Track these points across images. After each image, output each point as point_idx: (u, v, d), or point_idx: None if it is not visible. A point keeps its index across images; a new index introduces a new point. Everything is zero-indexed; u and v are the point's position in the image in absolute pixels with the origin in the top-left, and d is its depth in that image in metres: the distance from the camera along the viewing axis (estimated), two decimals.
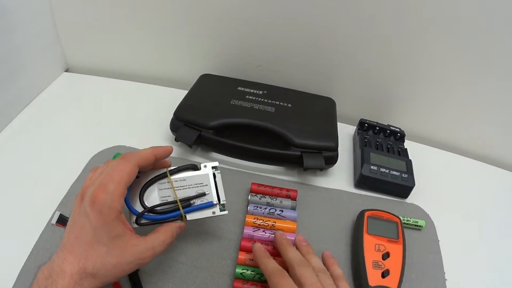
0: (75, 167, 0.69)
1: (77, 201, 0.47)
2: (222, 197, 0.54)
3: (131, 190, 0.53)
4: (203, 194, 0.53)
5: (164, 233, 0.50)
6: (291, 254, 0.51)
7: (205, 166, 0.55)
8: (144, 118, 0.82)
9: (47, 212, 0.61)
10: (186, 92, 0.79)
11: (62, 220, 0.60)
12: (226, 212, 0.54)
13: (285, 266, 0.51)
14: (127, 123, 0.81)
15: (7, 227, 0.60)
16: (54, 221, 0.60)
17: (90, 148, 0.73)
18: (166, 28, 0.87)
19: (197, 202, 0.53)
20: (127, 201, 0.51)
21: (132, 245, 0.46)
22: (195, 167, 0.55)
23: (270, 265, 0.50)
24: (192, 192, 0.53)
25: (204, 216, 0.53)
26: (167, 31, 0.87)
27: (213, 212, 0.53)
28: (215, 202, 0.53)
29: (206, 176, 0.54)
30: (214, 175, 0.55)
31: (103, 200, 0.44)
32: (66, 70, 0.98)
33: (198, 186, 0.54)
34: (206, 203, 0.53)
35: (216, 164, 0.55)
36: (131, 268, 0.46)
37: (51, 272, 0.42)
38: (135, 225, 0.51)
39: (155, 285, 0.54)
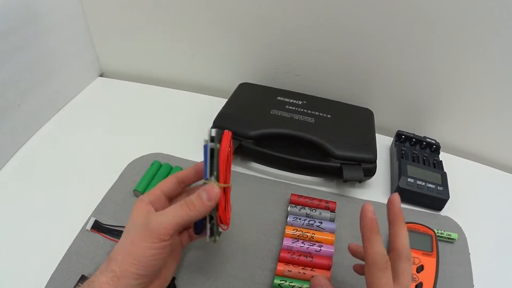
0: (112, 173, 0.70)
1: None
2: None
3: None
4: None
5: (179, 201, 0.46)
6: (404, 240, 0.45)
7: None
8: (181, 125, 0.83)
9: (82, 217, 0.62)
10: (223, 100, 0.80)
11: (97, 226, 0.61)
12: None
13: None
14: (164, 130, 0.82)
15: (42, 231, 0.61)
16: (88, 227, 0.61)
17: (127, 154, 0.74)
18: (203, 34, 0.87)
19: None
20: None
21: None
22: (214, 150, 0.47)
23: (377, 248, 0.44)
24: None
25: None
26: (204, 37, 0.88)
27: (208, 144, 0.46)
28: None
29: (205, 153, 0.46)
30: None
31: (139, 197, 0.48)
32: (101, 75, 0.99)
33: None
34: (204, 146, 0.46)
35: (206, 136, 0.46)
36: (149, 242, 0.43)
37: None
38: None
39: None
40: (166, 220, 0.44)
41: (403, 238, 0.45)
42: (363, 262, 0.51)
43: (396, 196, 0.48)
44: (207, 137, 0.46)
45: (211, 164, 0.46)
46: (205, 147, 0.46)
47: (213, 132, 0.46)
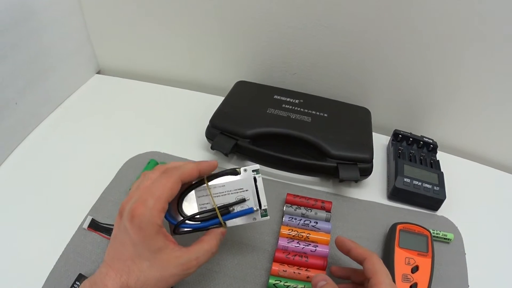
0: (108, 172, 0.70)
1: (117, 218, 0.47)
2: (264, 202, 0.52)
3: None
4: (243, 200, 0.52)
5: (208, 242, 0.49)
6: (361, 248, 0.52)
7: (245, 170, 0.53)
8: (178, 123, 0.83)
9: (79, 216, 0.62)
10: (220, 98, 0.80)
11: (93, 225, 0.61)
12: (267, 217, 0.52)
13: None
14: (161, 128, 0.81)
15: (38, 230, 0.61)
16: (85, 225, 0.61)
17: (124, 153, 0.73)
18: (200, 32, 0.87)
19: (237, 208, 0.52)
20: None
21: (175, 257, 0.45)
22: (235, 172, 0.52)
23: (364, 248, 0.51)
24: (232, 198, 0.52)
25: (244, 222, 0.52)
26: (201, 35, 0.88)
27: (254, 218, 0.52)
28: (255, 209, 0.52)
29: (246, 181, 0.52)
30: (254, 179, 0.52)
31: (141, 215, 0.43)
32: (98, 72, 0.99)
33: (238, 192, 0.52)
34: (246, 209, 0.52)
35: (257, 167, 0.53)
36: (175, 281, 0.45)
37: (93, 286, 0.43)
38: (173, 235, 0.50)
39: None
40: (203, 261, 0.48)
41: (359, 246, 0.52)
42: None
43: (340, 238, 0.54)
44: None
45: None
46: (250, 209, 0.52)
47: (255, 167, 0.53)
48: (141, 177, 0.49)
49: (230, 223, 0.52)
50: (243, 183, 0.52)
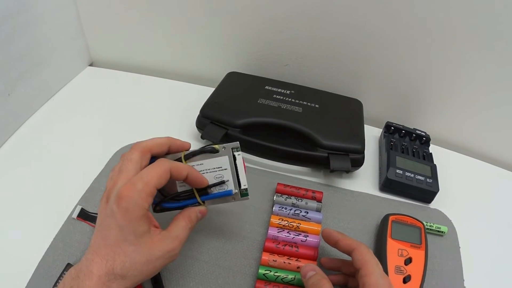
0: (98, 162, 0.70)
1: (103, 203, 0.46)
2: (243, 182, 0.51)
3: None
4: (222, 182, 0.51)
5: (183, 218, 0.49)
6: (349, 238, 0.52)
7: (224, 148, 0.51)
8: (169, 114, 0.82)
9: (69, 206, 0.62)
10: (212, 89, 0.80)
11: (83, 215, 0.61)
12: (248, 197, 0.51)
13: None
14: (152, 119, 0.81)
15: (28, 219, 0.61)
16: (75, 215, 0.60)
17: (114, 143, 0.73)
18: (191, 23, 0.87)
19: (216, 190, 0.51)
20: None
21: (158, 240, 0.45)
22: (214, 150, 0.51)
23: (352, 238, 0.51)
24: (210, 177, 0.51)
25: (223, 202, 0.52)
26: (193, 26, 0.87)
27: (233, 198, 0.51)
28: (234, 191, 0.51)
29: (225, 159, 0.51)
30: (234, 157, 0.51)
31: (129, 197, 0.43)
32: (90, 64, 0.99)
33: (216, 171, 0.51)
34: (225, 191, 0.51)
35: (236, 144, 0.51)
36: (162, 263, 0.45)
37: (79, 273, 0.42)
38: (153, 213, 0.50)
39: (177, 283, 0.54)
40: (183, 237, 0.48)
41: (347, 237, 0.52)
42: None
43: (327, 230, 0.54)
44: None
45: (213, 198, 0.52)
46: (229, 192, 0.51)
47: (234, 144, 0.51)
48: (120, 160, 0.49)
49: (209, 202, 0.52)
50: (222, 161, 0.51)
